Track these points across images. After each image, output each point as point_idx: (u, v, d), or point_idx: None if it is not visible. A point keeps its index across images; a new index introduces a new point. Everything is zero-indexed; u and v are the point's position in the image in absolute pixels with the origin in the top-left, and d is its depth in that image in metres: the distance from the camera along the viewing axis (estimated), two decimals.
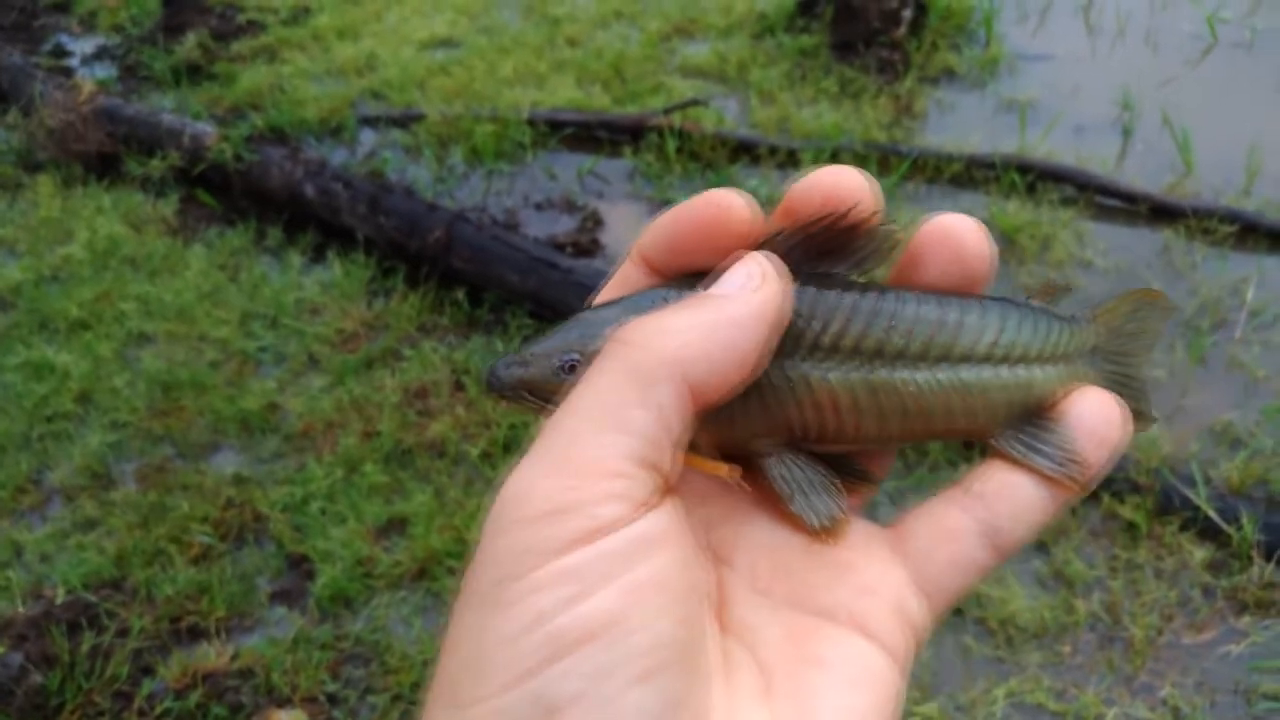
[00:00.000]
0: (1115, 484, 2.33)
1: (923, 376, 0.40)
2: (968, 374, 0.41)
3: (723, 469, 0.41)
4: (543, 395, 0.41)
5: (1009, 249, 3.15)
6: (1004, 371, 0.41)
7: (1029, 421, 0.41)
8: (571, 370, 0.40)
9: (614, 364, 0.36)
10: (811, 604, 0.39)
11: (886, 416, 0.41)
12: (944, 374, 0.41)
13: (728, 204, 0.39)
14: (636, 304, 0.40)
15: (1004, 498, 0.40)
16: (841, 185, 0.39)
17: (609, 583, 0.33)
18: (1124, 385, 0.45)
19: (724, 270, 0.38)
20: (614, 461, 0.35)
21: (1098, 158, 3.54)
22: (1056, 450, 0.40)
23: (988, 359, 0.41)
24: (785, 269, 0.38)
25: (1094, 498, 2.37)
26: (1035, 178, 3.43)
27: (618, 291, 0.43)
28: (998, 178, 3.45)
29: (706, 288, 0.38)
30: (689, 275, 0.41)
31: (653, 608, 0.33)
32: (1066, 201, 3.37)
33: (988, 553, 0.40)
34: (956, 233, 0.41)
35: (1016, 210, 3.31)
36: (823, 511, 0.40)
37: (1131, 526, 2.32)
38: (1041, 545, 2.29)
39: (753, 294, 0.37)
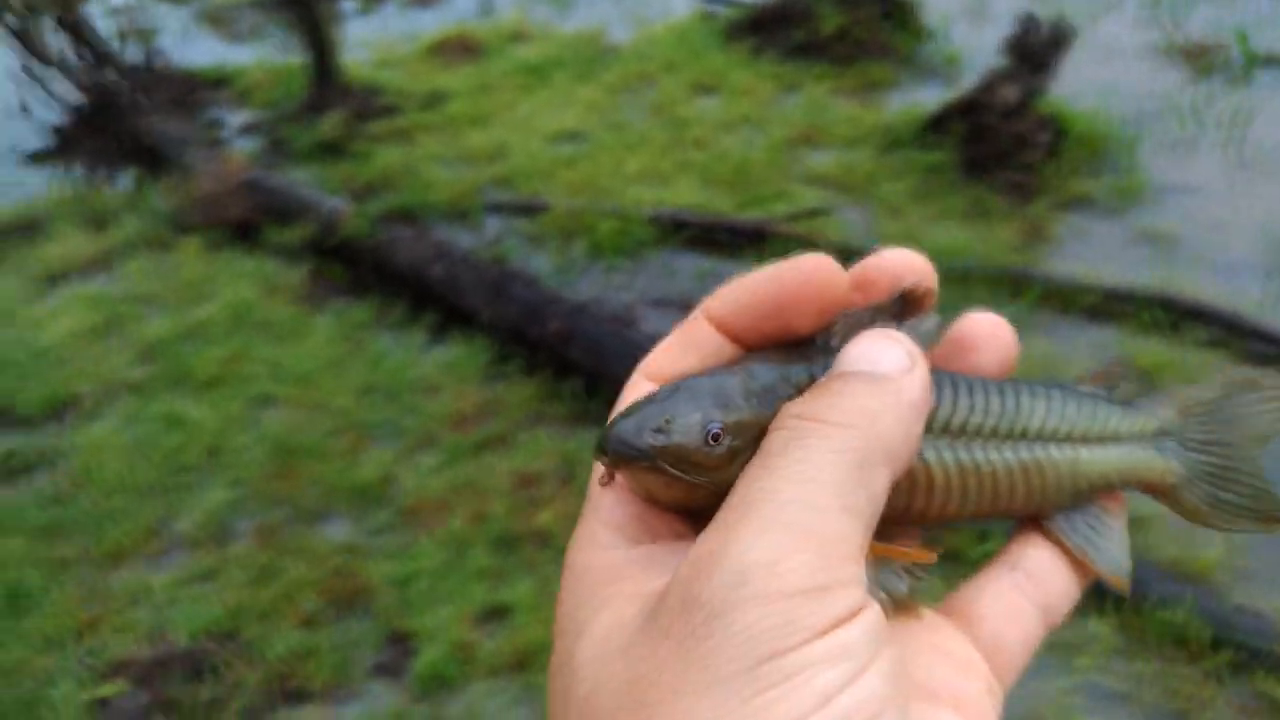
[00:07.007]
0: (1267, 658, 2.16)
1: (995, 456, 0.41)
2: (1025, 453, 0.42)
3: (922, 554, 0.38)
4: (685, 466, 0.37)
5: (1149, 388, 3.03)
6: (1052, 450, 0.42)
7: (1083, 508, 0.42)
8: (716, 440, 0.37)
9: (824, 443, 0.34)
10: (918, 685, 0.38)
11: (962, 494, 0.41)
12: (1009, 453, 0.41)
13: (827, 272, 0.39)
14: (754, 374, 0.39)
15: (1054, 577, 0.42)
16: (915, 267, 0.40)
17: (875, 663, 0.32)
18: (1225, 478, 0.44)
19: (861, 347, 0.37)
20: (853, 544, 0.33)
21: (1245, 296, 3.39)
22: (1115, 551, 0.42)
23: (1038, 437, 0.42)
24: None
25: (1244, 671, 2.20)
26: (1179, 316, 3.28)
27: (682, 353, 0.41)
28: (1135, 312, 3.33)
29: (842, 365, 0.37)
30: (773, 344, 0.40)
31: (902, 694, 0.33)
32: (1214, 343, 3.22)
33: (1044, 630, 0.41)
34: (1003, 327, 0.43)
35: (1154, 348, 3.18)
36: (895, 587, 0.38)
37: None
38: (1182, 715, 2.13)
39: (912, 376, 0.36)
